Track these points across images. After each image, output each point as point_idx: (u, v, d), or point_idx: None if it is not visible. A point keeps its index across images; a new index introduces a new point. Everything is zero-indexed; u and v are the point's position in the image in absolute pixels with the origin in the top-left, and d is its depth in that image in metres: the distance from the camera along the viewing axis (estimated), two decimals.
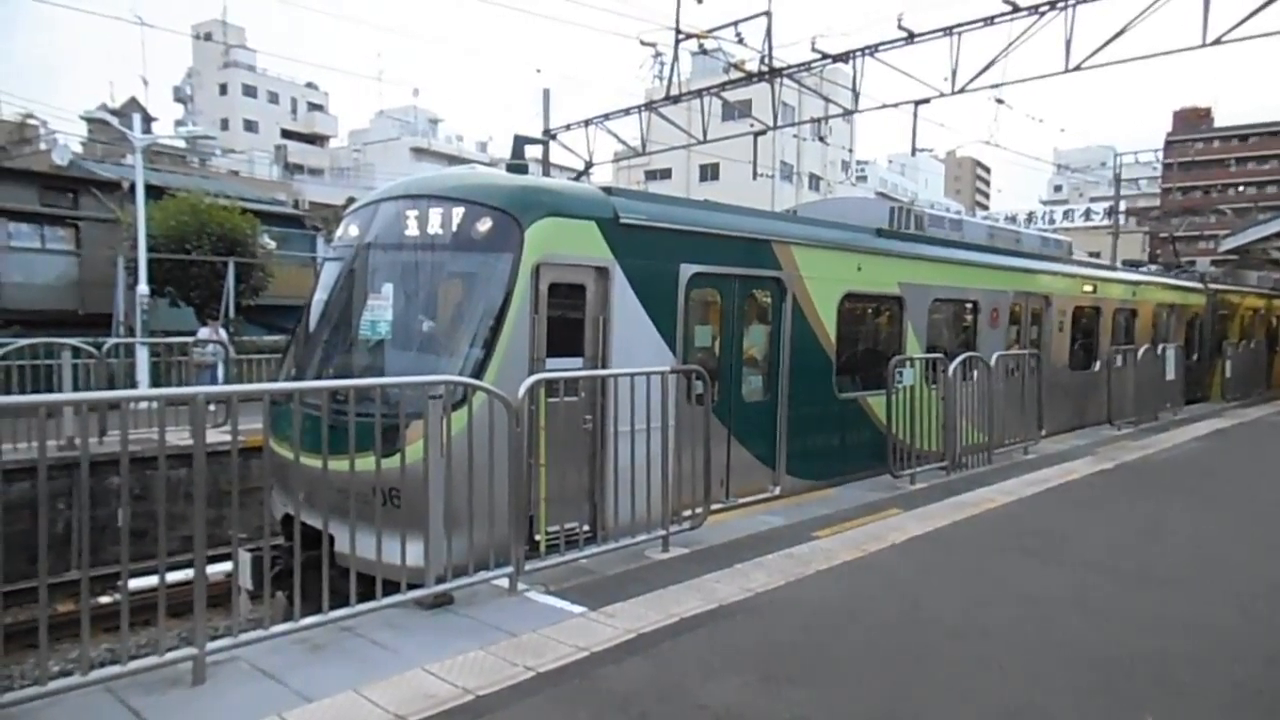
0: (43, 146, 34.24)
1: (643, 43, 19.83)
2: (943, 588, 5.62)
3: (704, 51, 18.76)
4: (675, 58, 18.34)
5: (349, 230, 7.65)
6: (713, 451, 6.67)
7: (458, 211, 6.82)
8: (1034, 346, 12.89)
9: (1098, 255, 29.20)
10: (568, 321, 6.94)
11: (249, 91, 68.92)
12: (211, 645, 3.97)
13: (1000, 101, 17.18)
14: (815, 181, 54.66)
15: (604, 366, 6.97)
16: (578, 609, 4.97)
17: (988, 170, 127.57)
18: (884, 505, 7.91)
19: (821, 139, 29.93)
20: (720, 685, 3.97)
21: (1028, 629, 4.84)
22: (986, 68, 14.29)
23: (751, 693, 3.91)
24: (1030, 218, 55.89)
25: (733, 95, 19.22)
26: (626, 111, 20.26)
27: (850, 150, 56.94)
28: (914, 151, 18.67)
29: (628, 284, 7.22)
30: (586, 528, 6.26)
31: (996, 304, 12.34)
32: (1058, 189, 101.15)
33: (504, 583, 5.24)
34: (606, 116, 20.55)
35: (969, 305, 12.05)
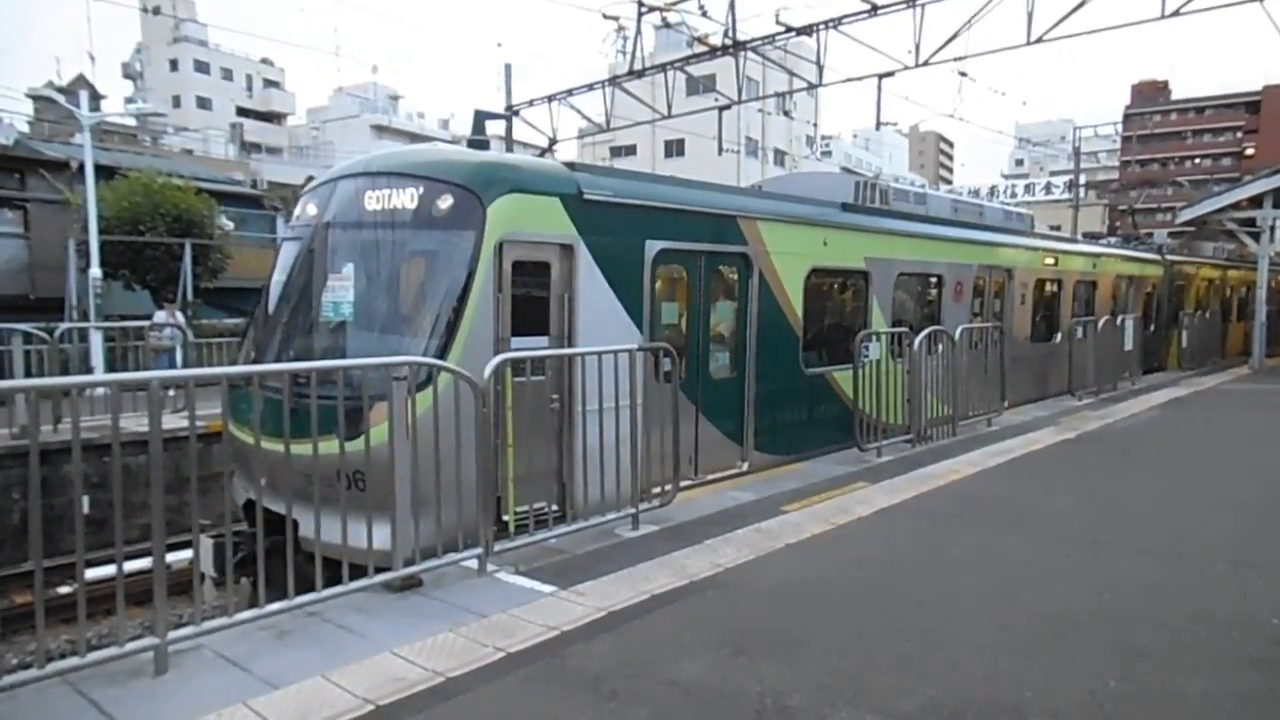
0: None
1: (605, 16, 19.54)
2: (910, 559, 5.68)
3: (667, 25, 18.55)
4: (638, 31, 18.19)
5: (307, 209, 7.48)
6: (681, 429, 6.63)
7: (418, 189, 6.71)
8: (997, 319, 13.00)
9: (1058, 228, 29.59)
10: (532, 300, 6.87)
11: (201, 68, 67.11)
12: (173, 634, 3.90)
13: (963, 75, 17.20)
14: (780, 157, 54.64)
15: (570, 345, 6.91)
16: (548, 588, 4.95)
17: (951, 144, 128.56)
18: (851, 479, 7.97)
19: (786, 113, 29.97)
20: (691, 661, 3.98)
21: (994, 598, 4.90)
22: (949, 40, 14.34)
23: (722, 667, 3.92)
24: (992, 192, 56.38)
25: (697, 70, 19.10)
26: (590, 87, 20.07)
27: (815, 125, 56.88)
28: (878, 125, 18.68)
29: (593, 261, 7.14)
30: (555, 507, 6.19)
31: (960, 277, 12.44)
32: (1019, 163, 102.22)
33: (473, 564, 5.20)
34: (570, 92, 20.34)
35: (933, 279, 12.11)
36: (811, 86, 18.20)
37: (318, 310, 6.99)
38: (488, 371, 5.16)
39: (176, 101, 63.61)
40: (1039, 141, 71.75)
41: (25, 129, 32.40)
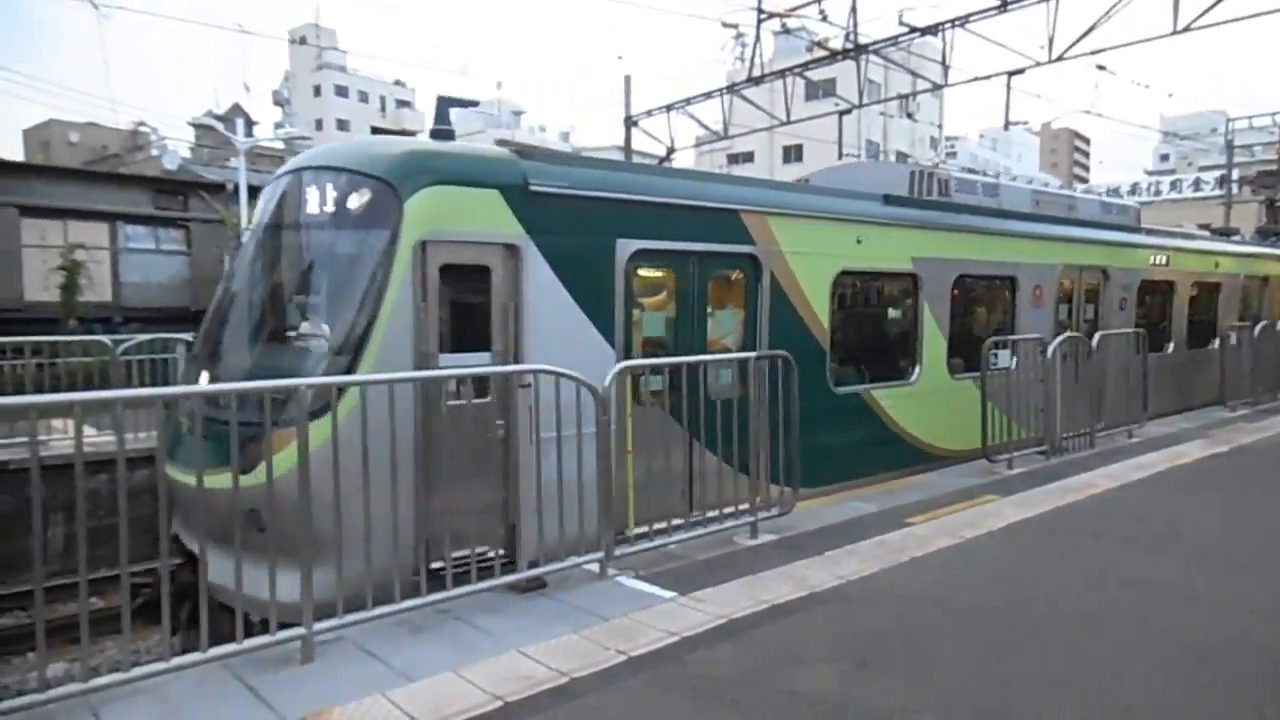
0: (154, 152, 36.20)
1: (724, 24, 19.69)
2: (1044, 577, 5.43)
3: (787, 31, 18.46)
4: (757, 38, 18.13)
5: (256, 209, 6.90)
6: (672, 458, 5.88)
7: (334, 182, 6.03)
8: (1090, 327, 11.46)
9: (1207, 227, 27.60)
10: (468, 310, 6.08)
11: (341, 91, 71.22)
12: (319, 625, 4.14)
13: (1102, 68, 16.46)
14: (903, 160, 53.30)
15: (518, 361, 6.05)
16: (667, 594, 4.99)
17: (1087, 141, 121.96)
18: (979, 491, 7.69)
19: (909, 116, 29.17)
20: (813, 672, 3.94)
21: (1133, 619, 4.64)
22: (1087, 33, 13.65)
23: (845, 681, 3.87)
24: (1134, 189, 53.13)
25: (816, 74, 18.86)
26: (708, 95, 20.13)
27: (939, 126, 55.24)
28: (1007, 125, 17.99)
29: (546, 264, 6.23)
30: (502, 552, 5.39)
31: (1040, 279, 10.81)
32: (1164, 158, 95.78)
33: (594, 568, 5.31)
34: (688, 101, 20.47)
35: (1004, 281, 10.51)
36: (936, 87, 17.69)
37: (238, 323, 6.39)
38: (609, 379, 5.26)
39: (319, 124, 67.62)
40: (1186, 135, 67.09)
41: (187, 155, 35.11)
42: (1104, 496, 7.50)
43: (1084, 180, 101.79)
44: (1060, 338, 9.19)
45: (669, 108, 20.84)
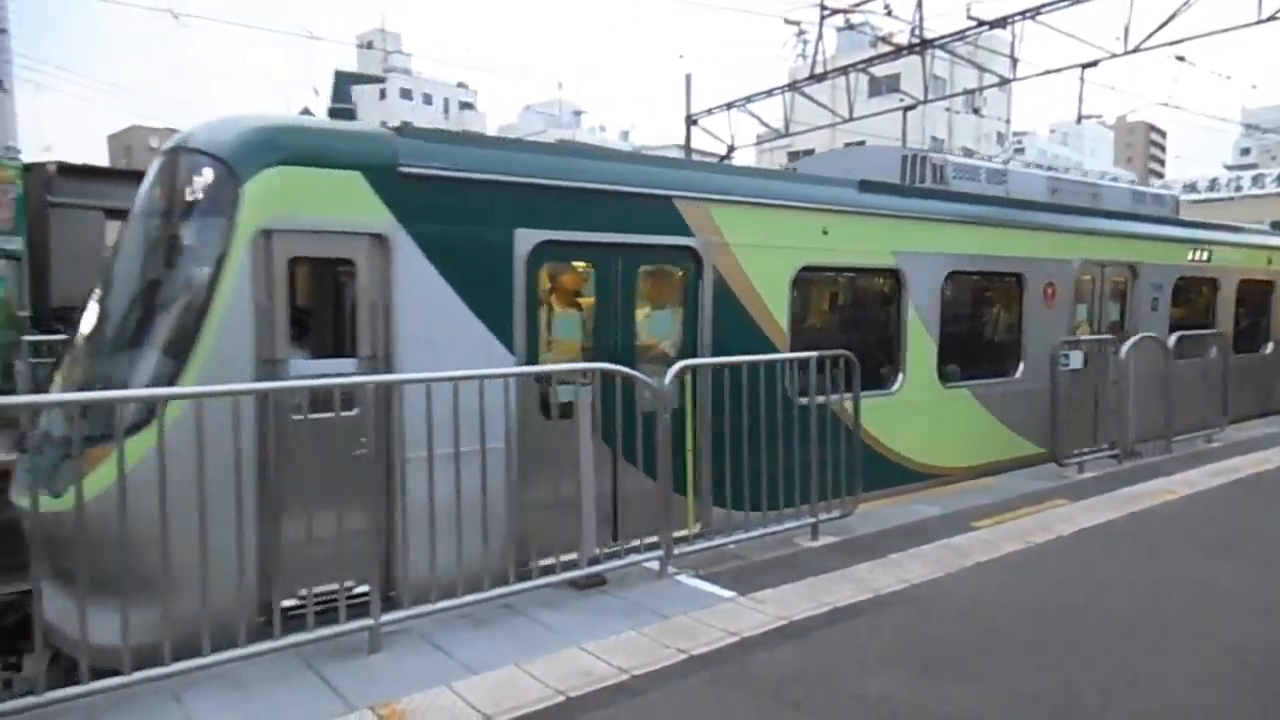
0: None
1: (787, 21, 19.52)
2: (1116, 584, 5.27)
3: (850, 26, 18.22)
4: (820, 35, 17.95)
5: None
6: (594, 480, 5.11)
7: (183, 164, 5.32)
8: (1117, 329, 10.47)
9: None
10: (327, 310, 5.52)
11: (405, 94, 72.53)
12: (385, 617, 4.24)
13: (1181, 59, 15.78)
14: (969, 156, 52.16)
15: (390, 367, 5.32)
16: (727, 594, 4.98)
17: (1163, 135, 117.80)
18: (1048, 495, 7.49)
19: (975, 111, 28.53)
20: (877, 676, 3.89)
21: (1211, 633, 4.47)
22: (1166, 23, 13.18)
23: (910, 685, 3.81)
24: (1213, 184, 51.11)
25: (880, 70, 18.60)
26: (769, 93, 20.01)
27: (1007, 121, 53.90)
28: (1079, 119, 17.45)
29: (424, 257, 5.47)
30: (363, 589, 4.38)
31: (1053, 276, 9.67)
32: (1245, 152, 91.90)
33: (654, 565, 5.32)
34: (749, 99, 20.36)
35: (1009, 279, 9.47)
36: (1004, 81, 17.30)
37: (86, 325, 5.63)
38: (669, 376, 5.26)
39: None
40: (1270, 128, 64.34)
41: None
42: (1179, 502, 7.24)
43: (1159, 175, 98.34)
44: (1135, 338, 8.89)
45: (729, 106, 20.76)
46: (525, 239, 5.91)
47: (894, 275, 8.24)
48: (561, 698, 3.68)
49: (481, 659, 4.08)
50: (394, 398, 4.72)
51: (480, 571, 4.54)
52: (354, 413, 4.56)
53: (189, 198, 5.14)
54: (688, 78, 23.62)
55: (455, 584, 4.42)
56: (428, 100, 74.03)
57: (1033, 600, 4.96)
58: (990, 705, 3.62)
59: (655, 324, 6.86)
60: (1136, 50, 13.52)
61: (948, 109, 45.70)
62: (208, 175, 5.09)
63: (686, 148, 23.10)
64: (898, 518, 6.80)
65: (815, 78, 18.04)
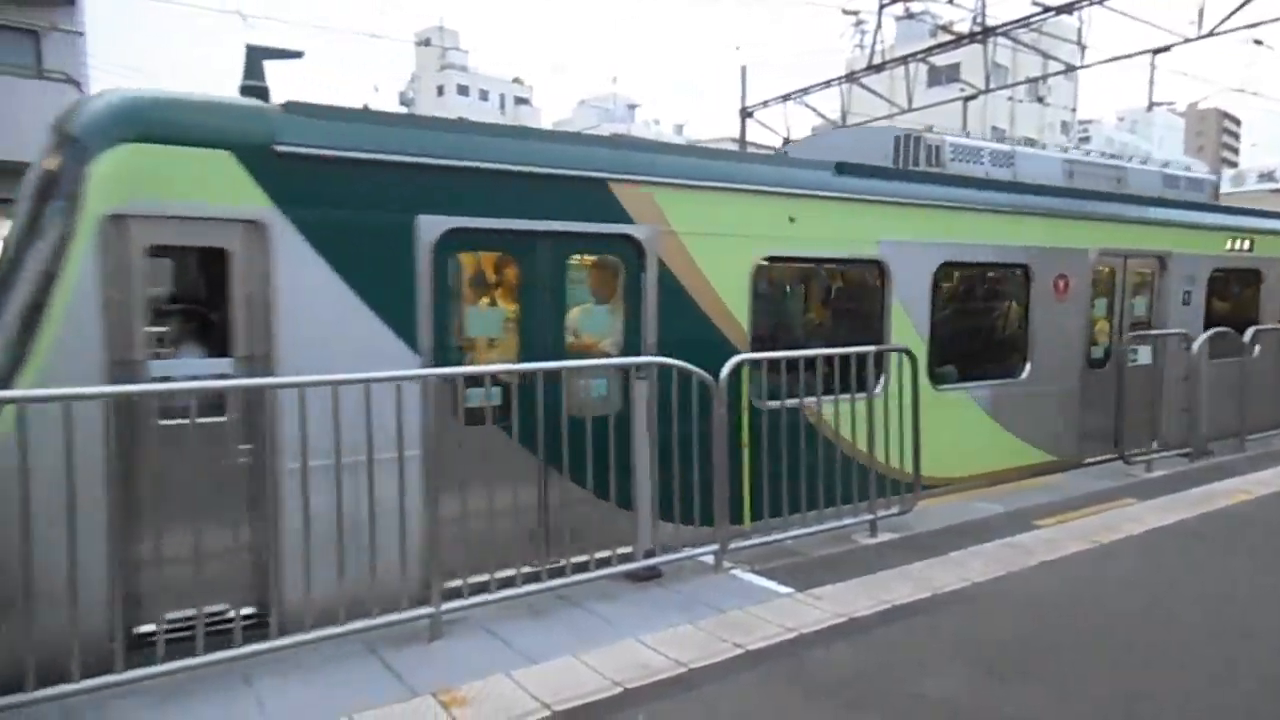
0: None
1: (844, 11, 19.35)
2: (1189, 588, 5.11)
3: (909, 15, 17.92)
4: (879, 24, 17.68)
5: None
6: (519, 493, 4.89)
7: (48, 141, 4.86)
8: (1143, 324, 9.64)
9: None
10: (195, 305, 4.97)
11: (462, 91, 73.34)
12: (446, 605, 4.31)
13: (1259, 43, 15.20)
14: (1030, 145, 50.85)
15: (269, 367, 4.76)
16: (784, 589, 4.95)
17: (1237, 123, 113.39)
18: (1115, 494, 7.29)
19: (1039, 99, 27.80)
20: (938, 677, 3.83)
21: None
22: (1242, 4, 12.68)
23: (972, 686, 3.75)
24: None
25: (939, 59, 18.26)
26: (826, 84, 19.77)
27: (1072, 110, 52.41)
28: (1150, 106, 16.93)
29: (309, 247, 4.92)
30: (247, 612, 4.14)
31: (1065, 268, 8.80)
32: None
33: (709, 559, 5.32)
34: (805, 90, 20.14)
35: (1013, 270, 8.64)
36: (1070, 69, 16.84)
37: None
38: (724, 372, 5.25)
39: None
40: None
41: None
42: (1253, 503, 6.99)
43: (1233, 164, 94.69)
44: (1208, 333, 8.60)
45: (785, 98, 20.56)
46: (430, 226, 5.33)
47: (878, 266, 7.51)
48: (619, 689, 3.70)
49: (539, 649, 4.12)
50: (271, 402, 4.29)
51: (397, 591, 4.23)
52: (222, 419, 4.34)
53: (44, 179, 4.67)
54: (743, 70, 23.49)
55: (355, 604, 4.06)
56: (484, 96, 74.76)
57: (1100, 601, 4.83)
58: (1059, 709, 3.54)
59: (591, 320, 6.30)
60: (1211, 34, 13.06)
61: (1010, 98, 44.61)
62: (60, 153, 4.61)
63: (741, 140, 22.97)
64: (958, 515, 6.69)
65: (874, 68, 17.78)
